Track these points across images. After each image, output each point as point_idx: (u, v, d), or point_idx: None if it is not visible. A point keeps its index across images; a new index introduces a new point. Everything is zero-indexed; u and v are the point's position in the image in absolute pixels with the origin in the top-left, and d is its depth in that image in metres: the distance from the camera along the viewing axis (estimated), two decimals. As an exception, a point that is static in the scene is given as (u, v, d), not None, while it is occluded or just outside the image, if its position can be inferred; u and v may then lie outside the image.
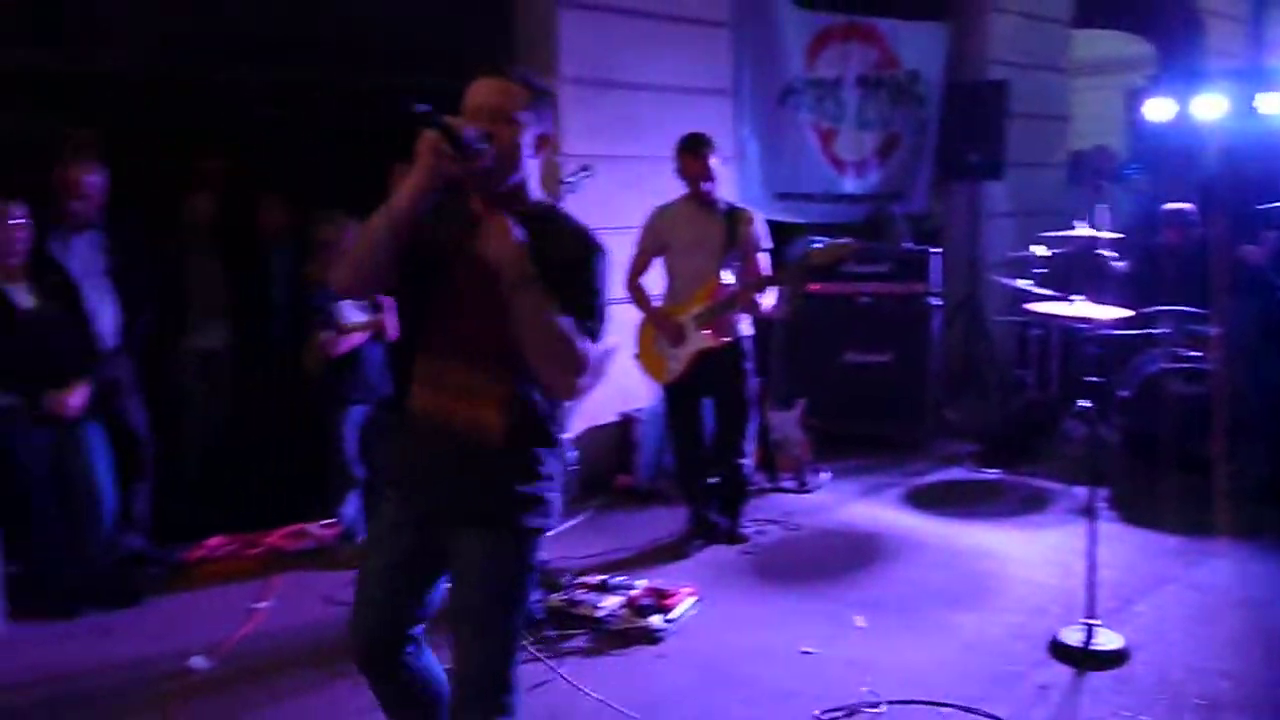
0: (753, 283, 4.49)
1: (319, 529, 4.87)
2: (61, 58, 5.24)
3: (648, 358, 4.68)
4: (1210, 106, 5.50)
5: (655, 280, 4.71)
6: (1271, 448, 5.13)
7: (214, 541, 4.71)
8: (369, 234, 2.11)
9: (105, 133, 4.92)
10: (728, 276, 4.50)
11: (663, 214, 4.64)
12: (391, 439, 2.27)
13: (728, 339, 4.53)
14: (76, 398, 4.03)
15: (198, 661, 3.60)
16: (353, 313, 4.47)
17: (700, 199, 4.53)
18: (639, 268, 4.65)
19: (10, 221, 3.90)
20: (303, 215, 5.33)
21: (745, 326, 4.62)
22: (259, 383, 5.39)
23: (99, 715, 3.33)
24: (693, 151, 4.48)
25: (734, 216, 4.55)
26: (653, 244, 4.64)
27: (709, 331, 4.49)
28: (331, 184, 5.28)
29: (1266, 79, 6.01)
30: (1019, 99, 7.23)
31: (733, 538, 4.77)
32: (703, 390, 4.65)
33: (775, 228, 5.22)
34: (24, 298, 3.99)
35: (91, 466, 4.12)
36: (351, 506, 4.60)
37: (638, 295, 4.62)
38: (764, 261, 4.59)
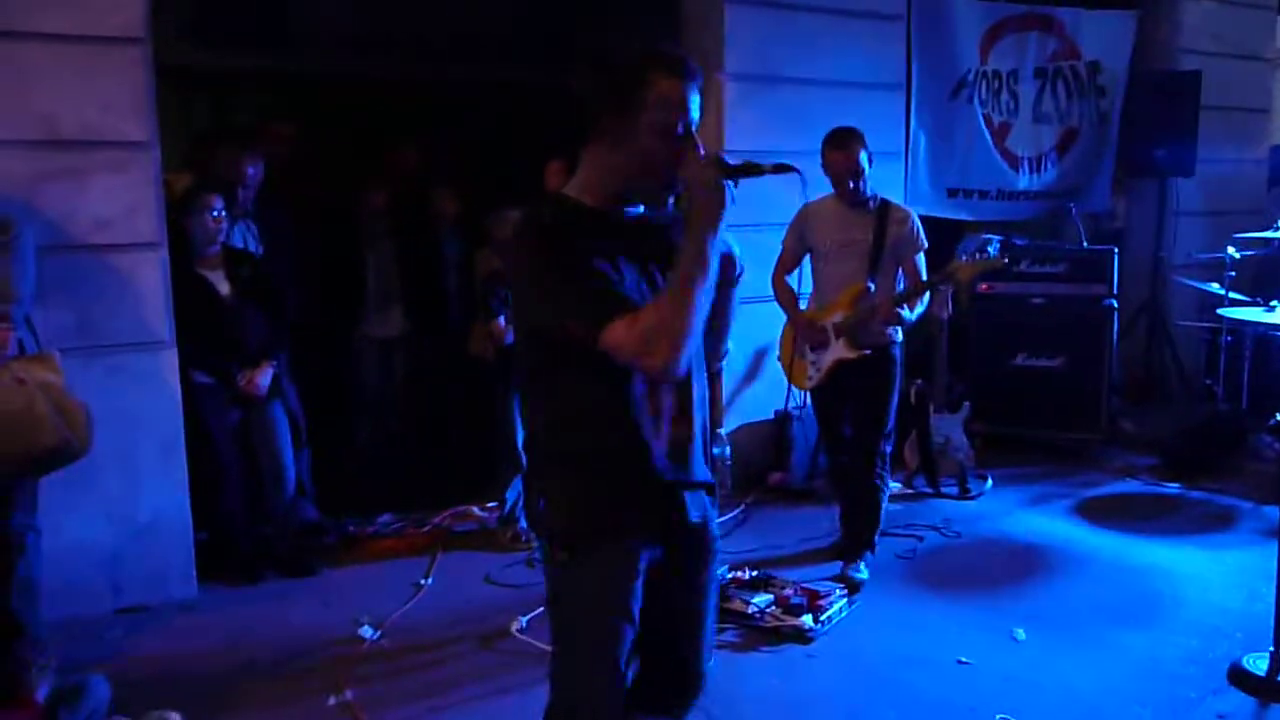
0: (901, 294, 4.20)
1: (482, 511, 5.06)
2: (248, 60, 5.62)
3: (789, 362, 4.49)
4: None
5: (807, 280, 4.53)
6: None
7: (384, 518, 4.99)
8: (690, 303, 1.85)
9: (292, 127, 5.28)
10: (872, 285, 4.21)
11: (807, 213, 4.36)
12: (638, 495, 2.03)
13: (868, 351, 4.23)
14: (265, 377, 4.31)
15: (366, 631, 3.80)
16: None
17: (847, 197, 4.19)
18: (783, 267, 4.43)
19: (214, 213, 4.19)
20: (470, 206, 5.54)
21: (896, 333, 4.30)
22: (431, 368, 5.63)
23: (279, 676, 3.54)
24: (838, 146, 4.13)
25: (885, 215, 4.21)
26: (795, 244, 4.40)
27: (848, 341, 4.25)
28: (497, 176, 5.48)
29: None
30: (1214, 90, 6.80)
31: (842, 575, 4.26)
32: (846, 397, 4.41)
33: (946, 224, 5.05)
34: (223, 285, 4.28)
35: (275, 442, 4.38)
36: (515, 491, 4.74)
37: (782, 296, 4.43)
38: (921, 263, 4.27)
